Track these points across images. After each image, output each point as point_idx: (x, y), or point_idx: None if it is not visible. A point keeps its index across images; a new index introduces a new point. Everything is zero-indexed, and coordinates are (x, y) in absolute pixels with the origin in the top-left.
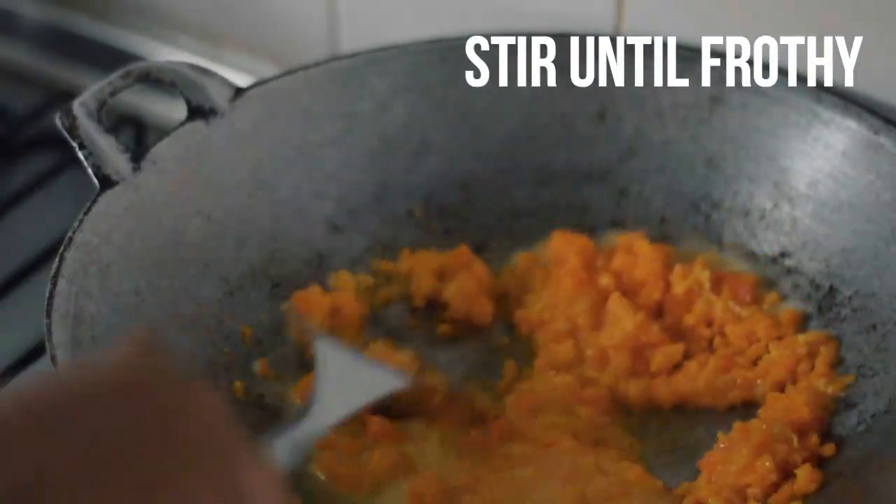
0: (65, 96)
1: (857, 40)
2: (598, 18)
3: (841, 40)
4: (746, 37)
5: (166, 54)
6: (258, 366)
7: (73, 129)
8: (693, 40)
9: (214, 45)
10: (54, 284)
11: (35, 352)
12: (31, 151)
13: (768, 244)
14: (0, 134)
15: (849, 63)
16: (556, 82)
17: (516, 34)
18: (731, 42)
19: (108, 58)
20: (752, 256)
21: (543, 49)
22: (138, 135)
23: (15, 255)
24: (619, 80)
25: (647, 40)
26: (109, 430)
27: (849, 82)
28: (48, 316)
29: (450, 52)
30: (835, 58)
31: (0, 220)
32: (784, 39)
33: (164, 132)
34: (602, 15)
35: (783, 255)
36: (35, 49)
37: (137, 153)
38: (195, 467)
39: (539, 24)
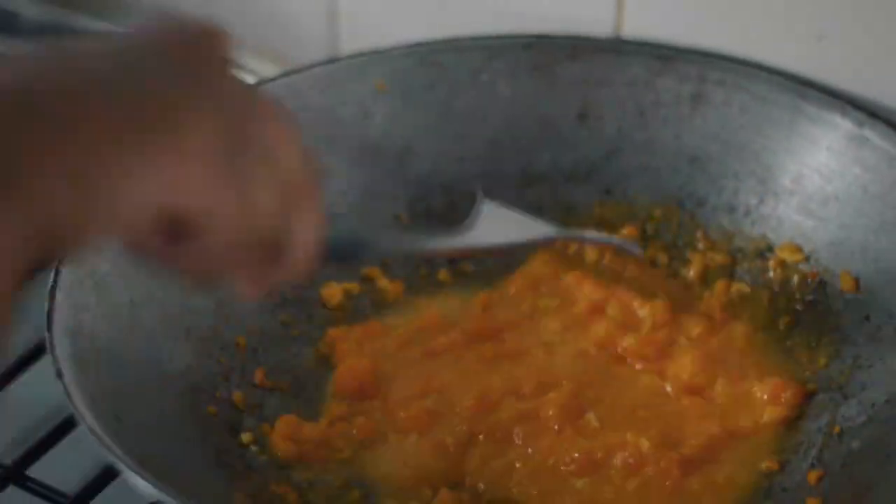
0: None
1: (844, 39)
2: (598, 19)
3: (829, 38)
4: (745, 37)
5: None
6: (257, 375)
7: None
8: (693, 40)
9: None
10: (52, 298)
11: (35, 352)
12: None
13: (755, 240)
14: None
15: (833, 60)
16: (538, 83)
17: (507, 35)
18: (723, 41)
19: None
20: (739, 252)
21: (525, 48)
22: None
23: None
24: (601, 80)
25: (627, 38)
26: (132, 51)
27: (832, 79)
28: (49, 330)
29: (430, 57)
30: (820, 55)
31: None
32: (776, 38)
33: None
34: (602, 15)
35: (771, 249)
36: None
37: None
38: (206, 99)
39: (539, 24)
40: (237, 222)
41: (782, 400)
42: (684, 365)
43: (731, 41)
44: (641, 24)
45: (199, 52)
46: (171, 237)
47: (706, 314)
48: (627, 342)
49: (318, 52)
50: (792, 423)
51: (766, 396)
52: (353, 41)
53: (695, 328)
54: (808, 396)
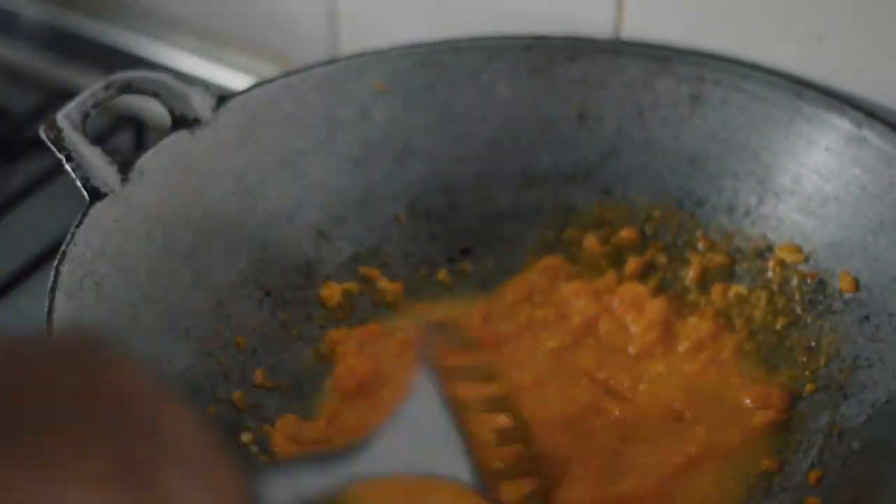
0: (65, 96)
1: (844, 39)
2: (598, 19)
3: (829, 39)
4: (745, 37)
5: (166, 54)
6: (256, 376)
7: (58, 141)
8: (693, 41)
9: (214, 45)
10: (52, 299)
11: None
12: (31, 151)
13: (755, 240)
14: (0, 134)
15: (833, 61)
16: (537, 84)
17: (504, 36)
18: (723, 42)
19: (108, 58)
20: (738, 253)
21: (525, 50)
22: (138, 135)
23: (15, 255)
24: (600, 81)
25: (626, 39)
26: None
27: (832, 79)
28: (49, 330)
29: (430, 57)
30: (820, 55)
31: (0, 219)
32: (776, 38)
33: (164, 132)
34: (602, 16)
35: (770, 249)
36: (35, 49)
37: (125, 164)
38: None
39: (539, 25)
40: None
41: (770, 403)
42: (668, 393)
43: (731, 42)
44: (641, 24)
45: (92, 379)
46: None
47: (700, 319)
48: (611, 372)
49: (318, 52)
50: (784, 425)
51: (751, 403)
52: (353, 41)
53: (684, 343)
54: (796, 399)
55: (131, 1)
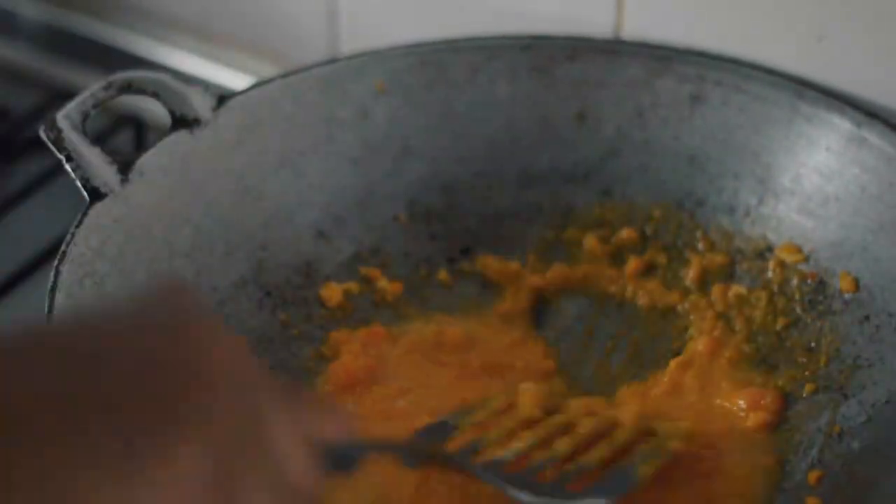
0: (65, 96)
1: (844, 39)
2: (598, 19)
3: (829, 39)
4: (745, 37)
5: (166, 54)
6: None
7: (58, 141)
8: (693, 41)
9: (214, 45)
10: (52, 299)
11: None
12: (31, 151)
13: (755, 240)
14: (0, 134)
15: (833, 61)
16: (536, 84)
17: (503, 35)
18: (723, 42)
19: (108, 58)
20: (739, 253)
21: (524, 49)
22: (138, 135)
23: (15, 255)
24: (599, 81)
25: (626, 39)
26: (115, 362)
27: (833, 79)
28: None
29: (429, 57)
30: (820, 55)
31: (0, 219)
32: (776, 38)
33: (164, 132)
34: (602, 16)
35: (770, 249)
36: (35, 49)
37: (125, 164)
38: (203, 420)
39: (539, 24)
40: None
41: (762, 405)
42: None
43: (732, 42)
44: (641, 24)
45: (190, 355)
46: None
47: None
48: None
49: (318, 52)
50: (780, 426)
51: (745, 405)
52: (353, 41)
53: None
54: (794, 401)
55: (131, 1)
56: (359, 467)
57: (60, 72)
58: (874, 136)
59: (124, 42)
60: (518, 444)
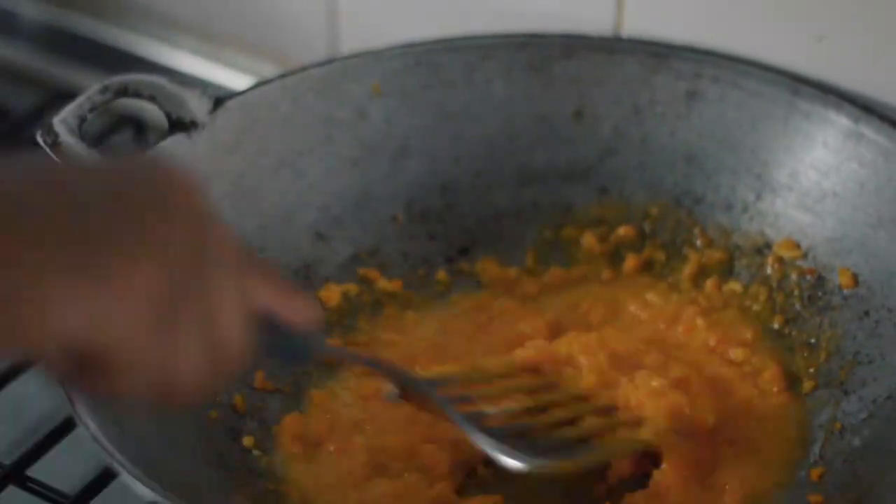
0: (65, 96)
1: (844, 39)
2: (598, 18)
3: (829, 39)
4: (745, 36)
5: (166, 54)
6: (257, 378)
7: (55, 145)
8: (693, 40)
9: (214, 45)
10: None
11: None
12: (30, 151)
13: (753, 237)
14: (0, 134)
15: (833, 60)
16: (533, 82)
17: (501, 34)
18: (723, 41)
19: (108, 58)
20: (737, 249)
21: (520, 48)
22: (138, 135)
23: None
24: (596, 79)
25: (622, 37)
26: (95, 193)
27: (833, 80)
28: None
29: (425, 57)
30: (820, 55)
31: None
32: (777, 38)
33: (163, 133)
34: (602, 15)
35: (768, 246)
36: (35, 49)
37: None
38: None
39: (539, 24)
40: (154, 372)
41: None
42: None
43: (732, 41)
44: (641, 23)
45: (161, 199)
46: (84, 368)
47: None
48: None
49: (318, 52)
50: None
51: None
52: (353, 41)
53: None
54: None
55: (131, 1)
56: (310, 361)
57: (60, 72)
58: (871, 132)
59: (124, 42)
60: (503, 406)
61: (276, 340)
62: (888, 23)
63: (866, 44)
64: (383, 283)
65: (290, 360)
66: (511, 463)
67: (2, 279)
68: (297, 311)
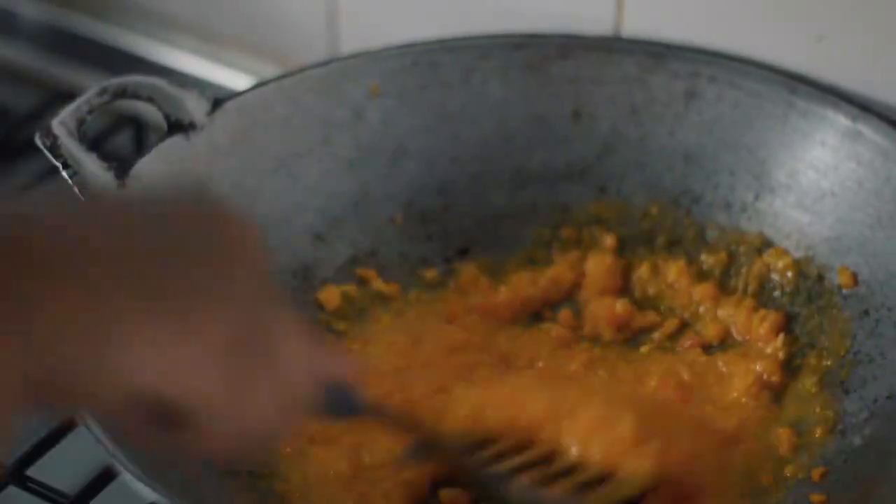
0: (65, 96)
1: (844, 39)
2: (598, 18)
3: (829, 39)
4: (745, 36)
5: (166, 54)
6: None
7: (54, 148)
8: (693, 40)
9: (214, 45)
10: None
11: None
12: (31, 151)
13: (752, 236)
14: (0, 134)
15: (833, 60)
16: (530, 83)
17: (498, 34)
18: (723, 41)
19: (108, 58)
20: (736, 249)
21: (517, 48)
22: (138, 136)
23: None
24: (593, 78)
25: (619, 36)
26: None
27: (833, 80)
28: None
29: (422, 57)
30: (820, 55)
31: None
32: (777, 38)
33: (162, 135)
34: (602, 15)
35: (767, 245)
36: (35, 49)
37: (121, 170)
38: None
39: (539, 24)
40: (227, 423)
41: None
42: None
43: (733, 40)
44: (641, 22)
45: (223, 241)
46: (153, 421)
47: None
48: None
49: (318, 52)
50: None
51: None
52: (353, 41)
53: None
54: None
55: (131, 1)
56: (355, 419)
57: (60, 72)
58: (869, 131)
59: (124, 42)
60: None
61: (332, 396)
62: (888, 23)
63: (866, 44)
64: (380, 284)
65: (345, 415)
66: None
67: (77, 330)
68: (340, 366)
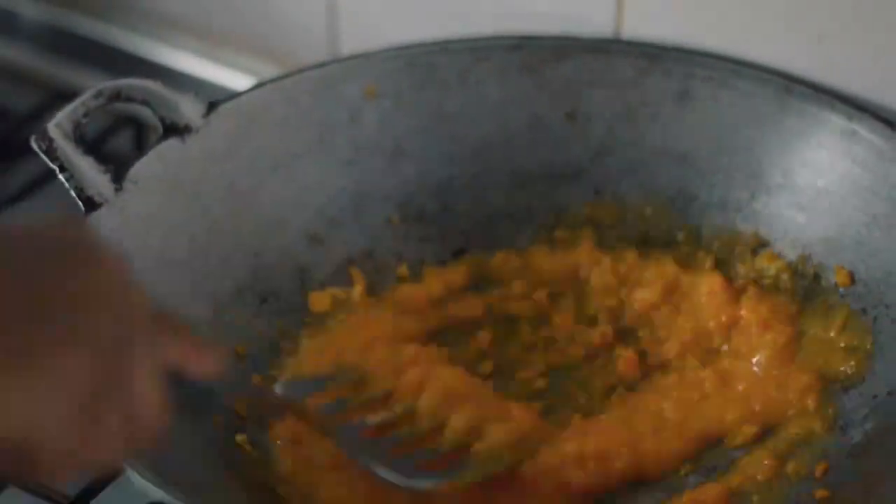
0: (65, 96)
1: (844, 39)
2: (598, 19)
3: (829, 39)
4: (745, 37)
5: (166, 54)
6: (254, 382)
7: (50, 151)
8: (693, 40)
9: (214, 45)
10: None
11: None
12: (31, 151)
13: (748, 236)
14: (0, 134)
15: (833, 61)
16: (526, 84)
17: (494, 36)
18: (723, 41)
19: (108, 58)
20: (732, 249)
21: (513, 50)
22: (137, 136)
23: None
24: (589, 80)
25: (615, 38)
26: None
27: (833, 80)
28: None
29: (419, 58)
30: (820, 55)
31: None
32: (776, 38)
33: (159, 137)
34: (602, 15)
35: (764, 245)
36: (35, 49)
37: (118, 173)
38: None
39: (539, 24)
40: (76, 461)
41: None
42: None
43: (731, 41)
44: (641, 23)
45: (87, 278)
46: (7, 462)
47: None
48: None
49: (318, 53)
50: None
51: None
52: (353, 41)
53: None
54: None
55: (131, 1)
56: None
57: (60, 72)
58: (865, 130)
59: (124, 42)
60: (378, 416)
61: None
62: (886, 23)
63: (865, 45)
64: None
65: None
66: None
67: None
68: (205, 365)
